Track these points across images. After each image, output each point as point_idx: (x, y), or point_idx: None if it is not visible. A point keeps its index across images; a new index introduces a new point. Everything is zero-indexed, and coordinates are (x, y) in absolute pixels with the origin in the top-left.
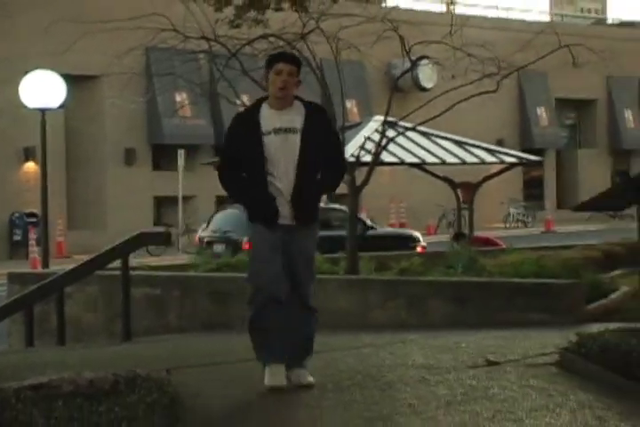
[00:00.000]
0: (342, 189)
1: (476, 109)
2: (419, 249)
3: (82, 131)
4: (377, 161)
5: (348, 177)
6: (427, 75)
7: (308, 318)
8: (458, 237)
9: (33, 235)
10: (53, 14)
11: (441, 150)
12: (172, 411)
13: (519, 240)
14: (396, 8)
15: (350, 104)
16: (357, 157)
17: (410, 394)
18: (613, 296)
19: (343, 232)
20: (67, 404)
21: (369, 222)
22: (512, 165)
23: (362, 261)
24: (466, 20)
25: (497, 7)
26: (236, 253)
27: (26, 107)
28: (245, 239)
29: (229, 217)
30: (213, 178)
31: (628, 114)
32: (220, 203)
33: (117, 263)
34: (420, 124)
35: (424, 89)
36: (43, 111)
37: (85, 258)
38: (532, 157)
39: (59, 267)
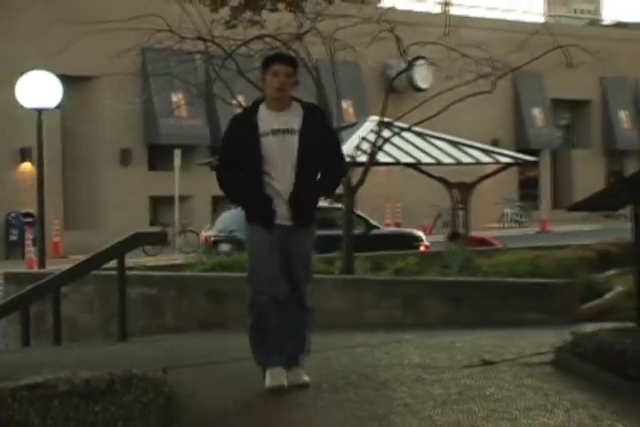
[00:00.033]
0: (338, 189)
1: (471, 110)
2: (422, 248)
3: (78, 131)
4: (372, 161)
5: (344, 177)
6: (422, 75)
7: (304, 318)
8: (453, 236)
9: (29, 235)
10: (50, 15)
11: (436, 151)
12: (168, 411)
13: (514, 240)
14: (391, 9)
15: (346, 104)
16: (353, 158)
17: (405, 393)
18: (608, 296)
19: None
20: (63, 403)
21: (373, 222)
22: (507, 166)
23: (357, 261)
24: (461, 20)
25: (492, 8)
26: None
27: (22, 107)
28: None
29: (235, 217)
30: (209, 178)
31: (623, 115)
32: (217, 203)
33: (113, 263)
34: (416, 124)
35: (419, 89)
36: (39, 111)
37: (81, 258)
38: (527, 158)
39: (55, 267)
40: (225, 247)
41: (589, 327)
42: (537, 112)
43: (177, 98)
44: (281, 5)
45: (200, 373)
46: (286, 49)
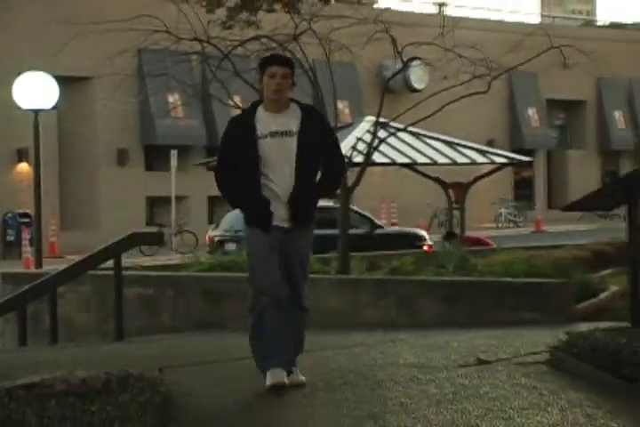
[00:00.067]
0: None
1: (466, 110)
2: (425, 248)
3: (74, 131)
4: (368, 161)
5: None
6: (418, 76)
7: (301, 318)
8: (449, 236)
9: (26, 235)
10: (46, 16)
11: (432, 151)
12: (165, 410)
13: (509, 240)
14: (387, 10)
15: (342, 105)
16: (349, 158)
17: (401, 393)
18: (603, 296)
19: (350, 231)
20: (59, 403)
21: (377, 222)
22: (503, 166)
23: (353, 261)
24: (457, 21)
25: (488, 9)
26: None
27: (19, 108)
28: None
29: (241, 216)
30: (206, 178)
31: (617, 115)
32: (213, 203)
33: (110, 263)
34: (412, 124)
35: (415, 90)
36: (36, 112)
37: (78, 258)
38: (523, 158)
39: (52, 267)
40: (231, 247)
41: (584, 327)
42: (532, 112)
43: (173, 98)
44: (277, 6)
45: (197, 372)
46: (282, 50)
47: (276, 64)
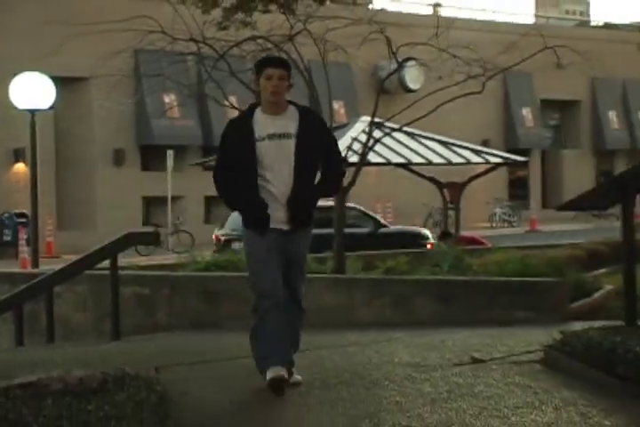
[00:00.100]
0: None
1: (461, 110)
2: (428, 246)
3: (71, 132)
4: (364, 161)
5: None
6: (413, 76)
7: (298, 318)
8: (444, 236)
9: (23, 235)
10: (43, 16)
11: (427, 151)
12: (161, 409)
13: (504, 239)
14: (382, 10)
15: (337, 105)
16: (344, 158)
17: (396, 392)
18: (597, 295)
19: (356, 230)
20: (56, 402)
21: (382, 221)
22: (497, 165)
23: (349, 261)
24: (451, 22)
25: (483, 9)
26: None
27: (16, 108)
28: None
29: None
30: (202, 178)
31: (612, 115)
32: (209, 203)
33: (106, 263)
34: (407, 124)
35: (410, 90)
36: (32, 112)
37: (74, 258)
38: (517, 158)
39: (48, 267)
40: (238, 246)
41: (578, 326)
42: (526, 112)
43: (169, 99)
44: (272, 7)
45: (193, 371)
46: (278, 50)
47: (273, 66)
